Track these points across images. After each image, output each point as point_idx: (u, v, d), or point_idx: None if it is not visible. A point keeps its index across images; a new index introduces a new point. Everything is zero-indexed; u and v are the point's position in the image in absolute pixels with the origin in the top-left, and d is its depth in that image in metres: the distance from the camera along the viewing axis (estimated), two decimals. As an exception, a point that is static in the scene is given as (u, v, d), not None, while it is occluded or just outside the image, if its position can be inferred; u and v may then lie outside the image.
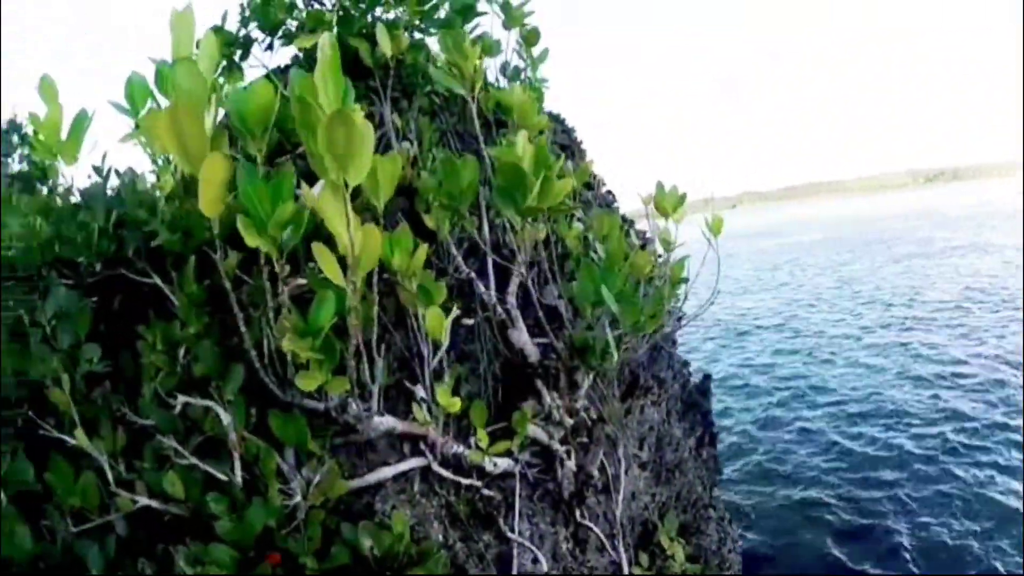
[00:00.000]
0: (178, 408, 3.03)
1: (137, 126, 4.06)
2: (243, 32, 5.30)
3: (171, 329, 3.23)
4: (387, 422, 3.33)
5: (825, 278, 35.66)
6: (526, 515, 4.01)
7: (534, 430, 4.04)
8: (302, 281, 3.11)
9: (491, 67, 5.41)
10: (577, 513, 4.27)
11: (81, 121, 3.86)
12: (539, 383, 4.17)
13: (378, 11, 5.04)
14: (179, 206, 3.49)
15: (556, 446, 4.17)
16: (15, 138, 26.34)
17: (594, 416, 4.45)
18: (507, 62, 5.52)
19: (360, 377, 3.10)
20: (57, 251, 3.79)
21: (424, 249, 3.26)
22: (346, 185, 2.53)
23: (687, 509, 6.05)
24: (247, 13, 5.29)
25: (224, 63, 5.17)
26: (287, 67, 5.37)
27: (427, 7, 4.94)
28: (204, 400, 3.06)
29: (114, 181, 4.21)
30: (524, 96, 4.24)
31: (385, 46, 4.37)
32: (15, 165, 25.78)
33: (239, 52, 5.27)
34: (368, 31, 4.88)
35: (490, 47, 5.09)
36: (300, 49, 5.10)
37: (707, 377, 7.33)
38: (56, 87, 3.84)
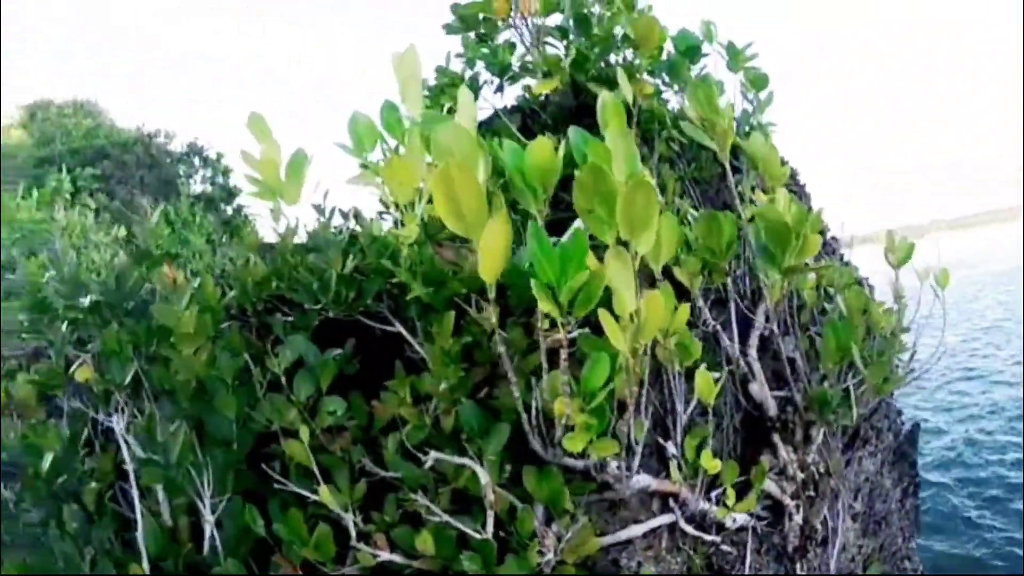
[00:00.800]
0: (428, 464, 2.96)
1: (363, 166, 4.07)
2: (469, 73, 5.31)
3: (420, 381, 3.21)
4: (643, 480, 3.26)
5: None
6: (754, 568, 3.91)
7: (769, 484, 3.94)
8: (559, 336, 3.05)
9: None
10: (798, 567, 4.18)
11: (300, 160, 3.79)
12: (775, 437, 4.07)
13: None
14: (421, 253, 3.42)
15: (787, 500, 4.08)
16: (196, 160, 27.18)
17: (821, 469, 4.33)
18: (731, 104, 5.43)
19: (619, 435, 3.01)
20: (275, 290, 3.81)
21: (685, 309, 3.17)
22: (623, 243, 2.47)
23: (887, 560, 5.90)
24: (471, 54, 5.30)
25: (447, 104, 5.17)
26: (515, 108, 5.36)
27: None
28: (459, 457, 2.99)
29: (331, 221, 4.20)
30: (767, 146, 4.14)
31: (626, 91, 4.31)
32: (196, 186, 26.51)
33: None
34: (600, 75, 4.84)
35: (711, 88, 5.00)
36: (538, 94, 5.07)
37: (916, 426, 7.13)
38: (267, 124, 3.78)
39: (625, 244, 2.57)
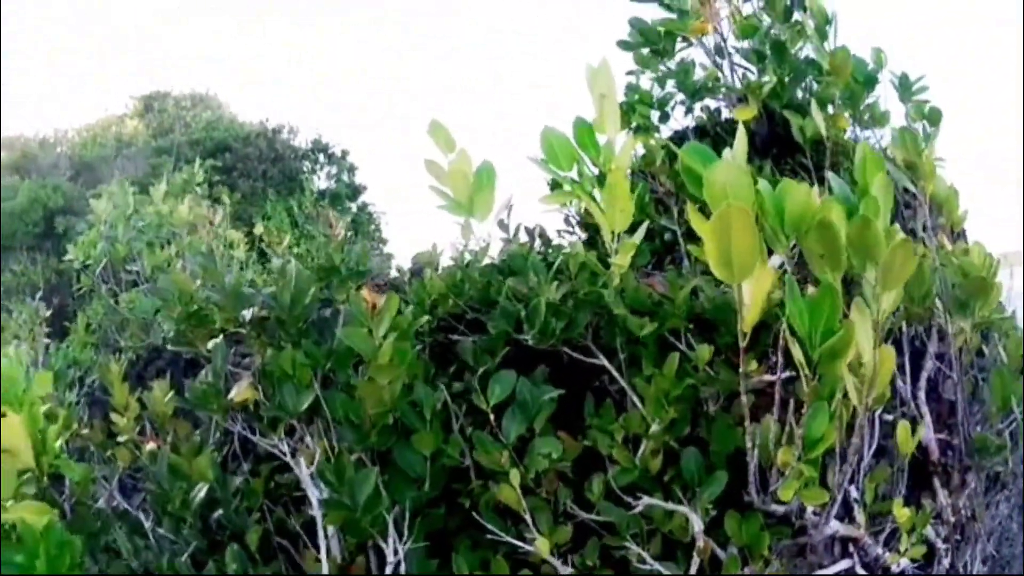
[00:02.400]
0: (638, 509, 2.94)
1: (555, 185, 4.01)
2: (659, 93, 5.29)
3: (632, 420, 3.09)
4: (834, 526, 3.23)
5: None
6: (906, 611, 3.86)
7: (928, 528, 3.90)
8: (769, 378, 3.02)
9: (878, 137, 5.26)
10: (942, 610, 4.11)
11: (488, 174, 3.77)
12: (936, 481, 4.02)
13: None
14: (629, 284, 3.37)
15: (939, 544, 4.01)
16: (320, 156, 27.10)
17: (968, 513, 4.28)
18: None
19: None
20: (452, 308, 3.63)
21: (892, 356, 3.14)
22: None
23: (1009, 605, 5.81)
24: (661, 74, 5.28)
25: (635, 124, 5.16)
26: (700, 130, 5.33)
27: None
28: (674, 504, 2.96)
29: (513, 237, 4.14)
30: (950, 188, 4.09)
31: (819, 123, 4.27)
32: (320, 183, 26.38)
33: (657, 114, 5.26)
34: (791, 103, 4.81)
35: (881, 118, 4.97)
36: (740, 121, 5.04)
37: (1043, 470, 6.99)
38: (450, 133, 3.73)
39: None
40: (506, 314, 3.33)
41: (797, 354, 2.60)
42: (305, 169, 27.53)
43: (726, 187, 2.48)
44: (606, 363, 3.29)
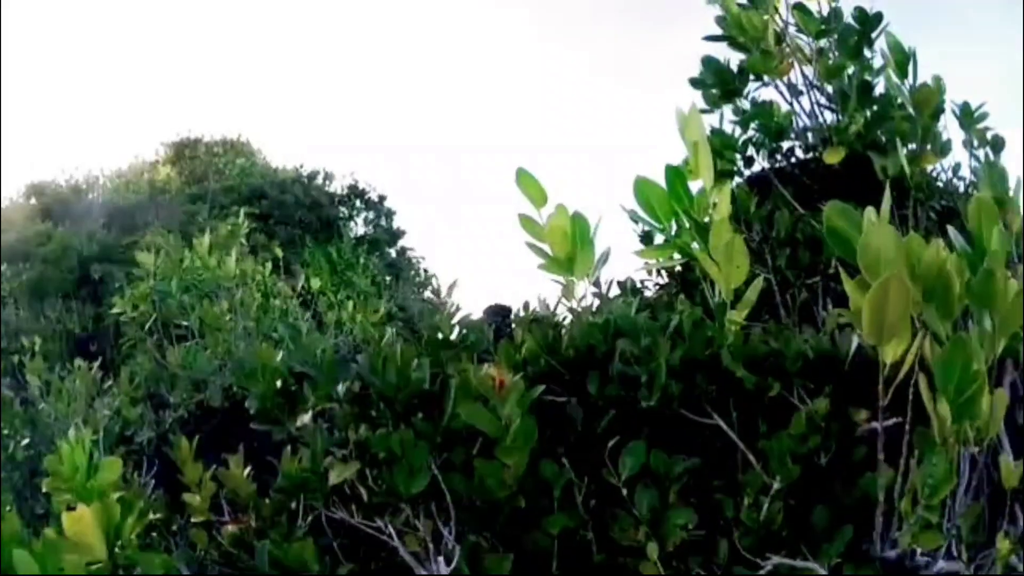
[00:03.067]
0: (767, 569, 2.81)
1: (647, 237, 3.88)
2: (742, 136, 5.19)
3: (754, 480, 2.99)
4: (940, 564, 3.11)
5: None
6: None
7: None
8: (874, 425, 2.91)
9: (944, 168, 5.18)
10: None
11: (586, 229, 3.61)
12: (1016, 507, 3.93)
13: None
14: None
15: (1020, 567, 3.93)
16: (357, 202, 27.23)
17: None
18: (958, 164, 5.26)
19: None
20: (543, 367, 3.45)
21: (1005, 400, 3.03)
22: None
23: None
24: (742, 116, 5.17)
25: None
26: (777, 172, 5.21)
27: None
28: (803, 561, 2.84)
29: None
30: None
31: (903, 160, 4.16)
32: (358, 228, 26.45)
33: (740, 159, 5.15)
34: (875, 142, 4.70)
35: (944, 148, 4.97)
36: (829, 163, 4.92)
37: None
38: (542, 186, 3.59)
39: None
40: (624, 378, 3.19)
41: (934, 403, 2.63)
42: (342, 215, 27.63)
43: (879, 252, 2.50)
44: (721, 423, 3.16)
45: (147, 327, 8.34)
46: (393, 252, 27.88)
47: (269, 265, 9.30)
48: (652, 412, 3.21)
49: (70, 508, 3.13)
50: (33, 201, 29.83)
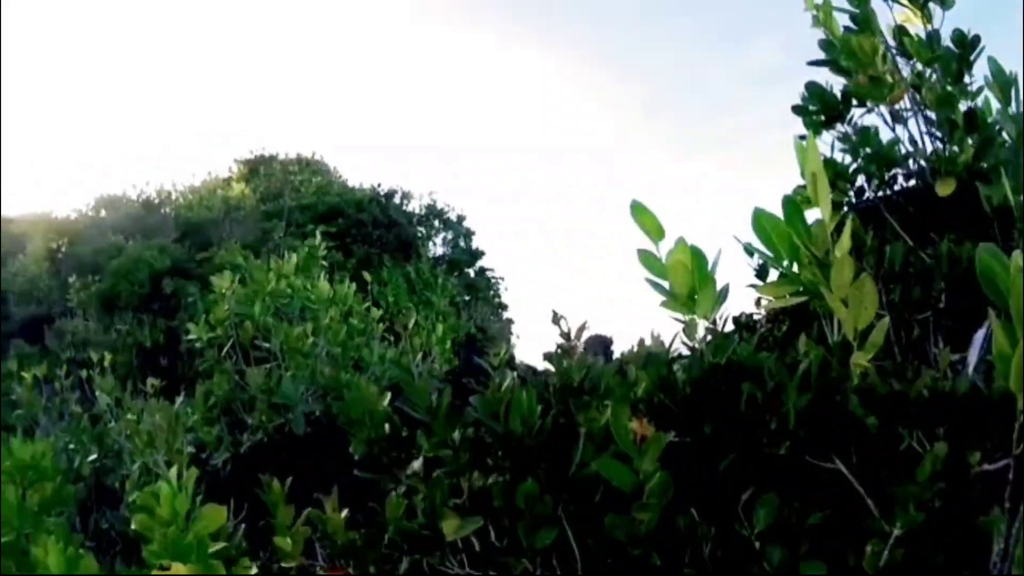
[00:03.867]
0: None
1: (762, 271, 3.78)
2: (852, 165, 5.10)
3: (876, 524, 2.86)
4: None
5: None
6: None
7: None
8: (988, 467, 2.82)
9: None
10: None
11: (704, 263, 3.43)
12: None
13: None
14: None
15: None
16: (436, 222, 27.39)
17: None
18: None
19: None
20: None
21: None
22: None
23: None
24: (851, 144, 5.08)
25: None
26: (886, 201, 5.11)
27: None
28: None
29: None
30: None
31: (1008, 190, 4.06)
32: (437, 248, 26.52)
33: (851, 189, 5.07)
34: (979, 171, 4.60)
35: None
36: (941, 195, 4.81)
37: None
38: (658, 220, 3.46)
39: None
40: (747, 421, 3.09)
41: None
42: (420, 234, 27.74)
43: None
44: (843, 468, 3.03)
45: (224, 350, 8.32)
46: (471, 272, 28.00)
47: (354, 286, 9.21)
48: (774, 456, 3.12)
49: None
50: (103, 214, 30.33)
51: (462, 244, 28.39)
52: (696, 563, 2.93)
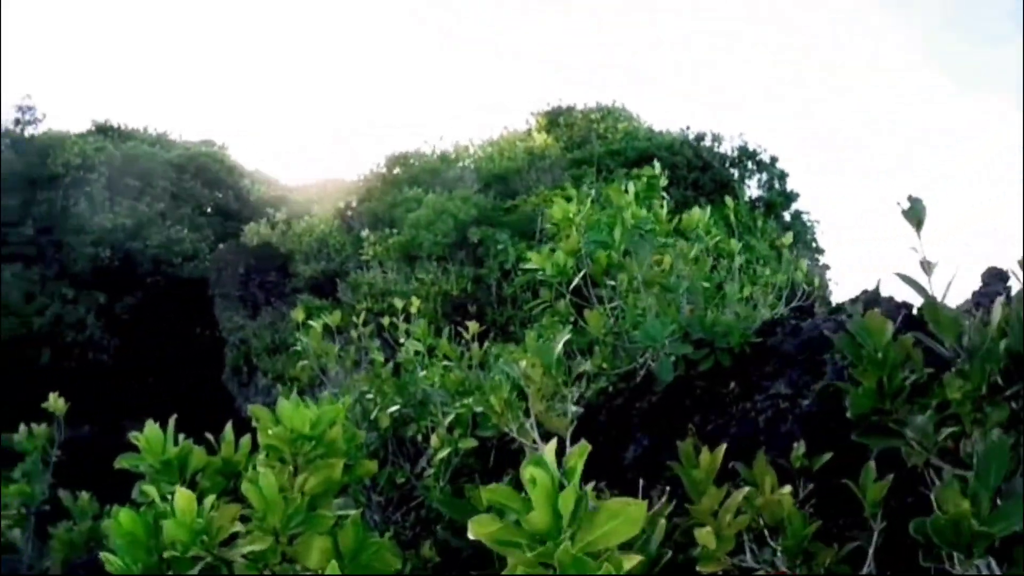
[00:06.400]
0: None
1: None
2: None
3: None
4: None
5: None
6: None
7: None
8: None
9: None
10: None
11: None
12: None
13: None
14: None
15: None
16: (749, 163, 26.85)
17: None
18: None
19: None
20: None
21: None
22: None
23: None
24: None
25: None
26: None
27: None
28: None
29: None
30: None
31: None
32: (751, 190, 26.08)
33: None
34: None
35: None
36: None
37: None
38: None
39: None
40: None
41: None
42: (735, 176, 26.73)
43: None
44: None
45: (570, 285, 7.18)
46: (787, 215, 27.09)
47: (708, 212, 8.02)
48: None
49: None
50: (397, 171, 31.34)
51: (776, 186, 27.43)
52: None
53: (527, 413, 4.81)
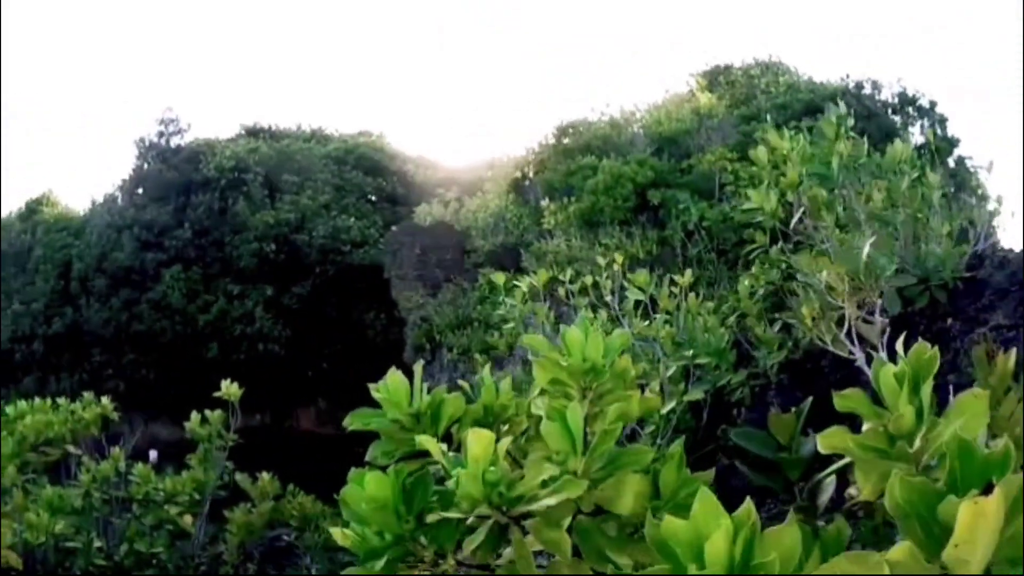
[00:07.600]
0: None
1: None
2: None
3: None
4: None
5: None
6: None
7: None
8: None
9: None
10: None
11: None
12: None
13: None
14: None
15: None
16: (910, 110, 25.79)
17: None
18: None
19: None
20: None
21: None
22: None
23: None
24: None
25: None
26: None
27: None
28: None
29: None
30: None
31: None
32: (915, 138, 25.44)
33: None
34: None
35: None
36: None
37: None
38: None
39: None
40: None
41: None
42: (897, 123, 26.46)
43: None
44: None
45: (775, 228, 7.27)
46: (951, 162, 26.17)
47: (911, 147, 8.01)
48: None
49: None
50: (567, 141, 30.89)
51: (938, 132, 26.47)
52: None
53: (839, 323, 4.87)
